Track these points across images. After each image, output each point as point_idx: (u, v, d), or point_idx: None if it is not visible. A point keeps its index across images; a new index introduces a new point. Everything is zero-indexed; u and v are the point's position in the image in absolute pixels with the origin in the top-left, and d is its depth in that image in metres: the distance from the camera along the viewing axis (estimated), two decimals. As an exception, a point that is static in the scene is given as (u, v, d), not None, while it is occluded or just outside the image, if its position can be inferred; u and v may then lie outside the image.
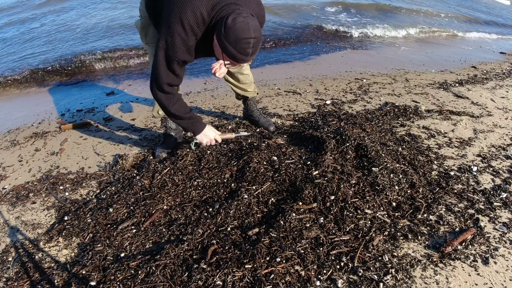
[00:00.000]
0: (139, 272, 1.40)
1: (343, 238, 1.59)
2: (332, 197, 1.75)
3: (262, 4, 1.75)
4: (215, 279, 1.35)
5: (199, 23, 1.52)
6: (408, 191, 1.89)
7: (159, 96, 1.74)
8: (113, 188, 1.95)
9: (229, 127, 2.53)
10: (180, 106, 1.80)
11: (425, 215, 1.77)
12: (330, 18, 5.97)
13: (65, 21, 5.60)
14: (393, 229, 1.67)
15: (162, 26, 1.57)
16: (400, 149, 2.27)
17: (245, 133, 2.23)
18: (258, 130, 2.52)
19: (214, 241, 1.55)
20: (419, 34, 5.95)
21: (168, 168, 2.01)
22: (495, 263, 1.56)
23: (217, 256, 1.46)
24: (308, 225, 1.62)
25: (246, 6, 1.56)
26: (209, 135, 1.96)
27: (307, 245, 1.53)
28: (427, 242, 1.64)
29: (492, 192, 2.01)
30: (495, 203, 1.92)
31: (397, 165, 2.04)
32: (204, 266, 1.40)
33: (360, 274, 1.44)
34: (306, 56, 4.68)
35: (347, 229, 1.63)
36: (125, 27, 5.24)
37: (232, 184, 1.90)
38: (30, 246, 1.63)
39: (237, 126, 2.56)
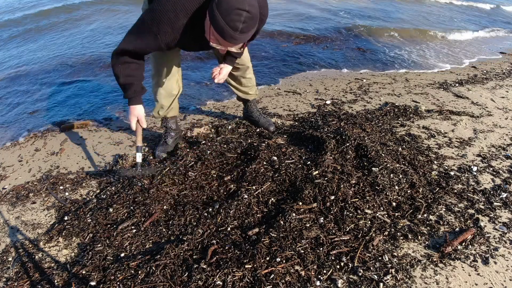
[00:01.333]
0: (139, 272, 1.40)
1: (343, 238, 1.59)
2: (332, 197, 1.75)
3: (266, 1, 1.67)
4: (215, 279, 1.35)
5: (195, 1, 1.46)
6: (408, 191, 1.89)
7: (112, 60, 1.66)
8: (113, 188, 1.95)
9: (229, 127, 2.53)
10: (125, 68, 1.67)
11: (425, 215, 1.77)
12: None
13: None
14: (393, 229, 1.67)
15: (153, 3, 1.51)
16: (400, 149, 2.27)
17: (140, 155, 1.90)
18: (258, 130, 2.52)
19: (214, 241, 1.55)
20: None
21: (168, 168, 2.01)
22: (495, 263, 1.56)
23: (217, 256, 1.46)
24: (308, 225, 1.62)
25: None
26: (130, 115, 1.83)
27: (307, 245, 1.53)
28: (427, 242, 1.64)
29: (492, 192, 2.01)
30: (495, 203, 1.92)
31: (397, 165, 2.04)
32: (204, 266, 1.40)
33: (360, 274, 1.44)
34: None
35: (347, 229, 1.63)
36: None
37: (232, 185, 1.91)
38: (30, 246, 1.63)
39: (237, 126, 2.56)
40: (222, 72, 2.01)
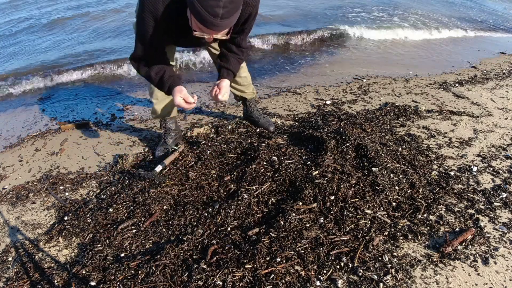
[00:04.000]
0: (139, 272, 1.40)
1: (343, 238, 1.59)
2: (332, 197, 1.75)
3: None
4: (215, 279, 1.35)
5: None
6: (408, 191, 1.89)
7: (135, 67, 1.74)
8: (113, 188, 1.95)
9: (229, 127, 2.53)
10: (152, 70, 1.69)
11: (425, 215, 1.77)
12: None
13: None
14: (393, 229, 1.67)
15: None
16: (400, 149, 2.27)
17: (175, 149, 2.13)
18: (258, 130, 2.51)
19: (214, 241, 1.55)
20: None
21: (168, 168, 2.01)
22: (495, 263, 1.56)
23: (217, 256, 1.46)
24: (308, 225, 1.62)
25: None
26: (175, 96, 1.68)
27: (307, 245, 1.53)
28: (427, 242, 1.64)
29: (492, 192, 2.01)
30: (495, 203, 1.92)
31: (397, 165, 2.04)
32: (204, 266, 1.40)
33: (360, 274, 1.44)
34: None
35: (347, 229, 1.63)
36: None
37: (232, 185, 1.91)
38: (30, 246, 1.63)
39: (237, 126, 2.56)
40: (222, 88, 1.78)
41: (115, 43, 4.71)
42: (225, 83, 1.82)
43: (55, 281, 1.42)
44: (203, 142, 2.29)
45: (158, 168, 2.00)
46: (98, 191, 2.00)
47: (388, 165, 1.98)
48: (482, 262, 1.56)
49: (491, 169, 2.25)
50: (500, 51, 5.55)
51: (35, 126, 2.79)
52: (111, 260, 1.51)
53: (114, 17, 5.72)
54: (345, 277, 1.43)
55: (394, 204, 1.80)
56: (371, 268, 1.47)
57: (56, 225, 1.74)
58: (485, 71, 4.44)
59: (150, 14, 1.51)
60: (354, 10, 6.64)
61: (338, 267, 1.47)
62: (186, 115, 2.89)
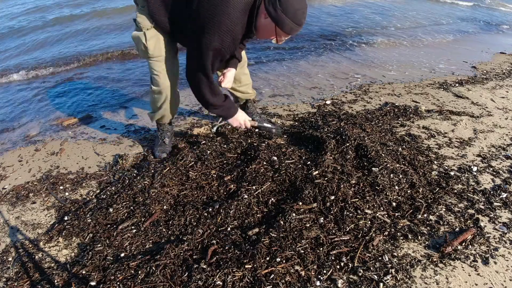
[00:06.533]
0: (139, 272, 1.40)
1: (343, 238, 1.59)
2: (332, 197, 1.75)
3: None
4: (215, 279, 1.35)
5: (246, 7, 1.57)
6: (408, 191, 1.89)
7: (204, 95, 1.84)
8: (113, 188, 1.95)
9: (229, 127, 2.52)
10: (217, 97, 1.89)
11: (425, 215, 1.77)
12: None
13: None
14: (393, 229, 1.67)
15: (205, 22, 1.57)
16: (400, 149, 2.27)
17: (269, 125, 2.27)
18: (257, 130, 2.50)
19: (214, 241, 1.55)
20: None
21: (168, 168, 2.01)
22: (495, 263, 1.56)
23: (217, 256, 1.46)
24: (308, 225, 1.62)
25: None
26: (239, 120, 2.07)
27: (307, 245, 1.53)
28: (427, 242, 1.64)
29: (492, 192, 2.01)
30: (495, 203, 1.92)
31: (397, 165, 2.04)
32: (204, 266, 1.40)
33: (360, 274, 1.44)
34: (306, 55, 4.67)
35: (347, 229, 1.63)
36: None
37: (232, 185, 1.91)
38: (30, 246, 1.63)
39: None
40: (227, 75, 2.06)
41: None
42: (231, 72, 2.07)
43: (55, 281, 1.42)
44: (203, 142, 2.29)
45: (216, 126, 2.28)
46: (98, 191, 2.00)
47: (388, 165, 1.98)
48: (482, 262, 1.56)
49: (491, 169, 2.25)
50: (500, 51, 5.55)
51: (35, 125, 2.79)
52: (111, 260, 1.51)
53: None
54: (345, 277, 1.43)
55: (394, 204, 1.80)
56: (371, 268, 1.47)
57: (56, 225, 1.74)
58: (485, 71, 4.44)
59: (229, 34, 1.59)
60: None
61: (338, 267, 1.47)
62: (186, 115, 2.89)
